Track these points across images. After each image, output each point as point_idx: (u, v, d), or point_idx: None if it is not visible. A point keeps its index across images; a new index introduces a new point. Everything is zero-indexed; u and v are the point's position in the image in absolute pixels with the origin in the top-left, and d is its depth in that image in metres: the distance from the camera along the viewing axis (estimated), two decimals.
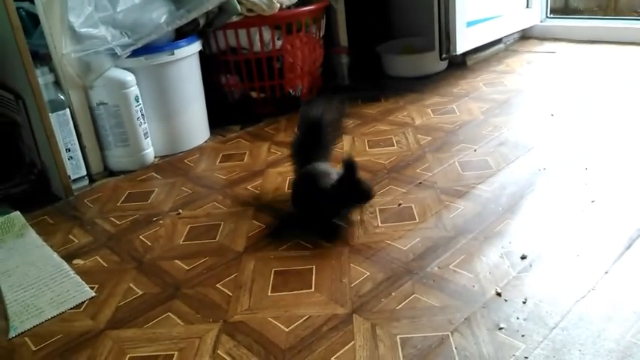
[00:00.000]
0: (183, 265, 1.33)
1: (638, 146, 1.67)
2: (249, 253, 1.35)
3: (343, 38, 2.55)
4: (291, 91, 2.32)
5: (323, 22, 2.41)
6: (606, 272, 1.15)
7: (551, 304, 1.07)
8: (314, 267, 1.26)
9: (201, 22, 2.09)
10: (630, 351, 0.95)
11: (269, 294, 1.19)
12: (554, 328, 1.01)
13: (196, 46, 2.03)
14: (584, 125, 1.87)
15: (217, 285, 1.24)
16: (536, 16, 2.95)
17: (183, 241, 1.44)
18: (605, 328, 1.00)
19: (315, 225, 1.42)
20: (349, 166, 1.33)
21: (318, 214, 1.42)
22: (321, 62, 2.44)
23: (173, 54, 1.93)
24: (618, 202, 1.40)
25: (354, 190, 1.35)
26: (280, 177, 1.74)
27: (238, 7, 2.10)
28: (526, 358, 0.95)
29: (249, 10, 2.14)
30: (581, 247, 1.24)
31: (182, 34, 2.01)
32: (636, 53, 2.55)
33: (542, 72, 2.49)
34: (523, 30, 2.98)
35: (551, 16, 3.07)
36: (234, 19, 2.13)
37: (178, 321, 1.14)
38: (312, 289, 1.19)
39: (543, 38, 2.99)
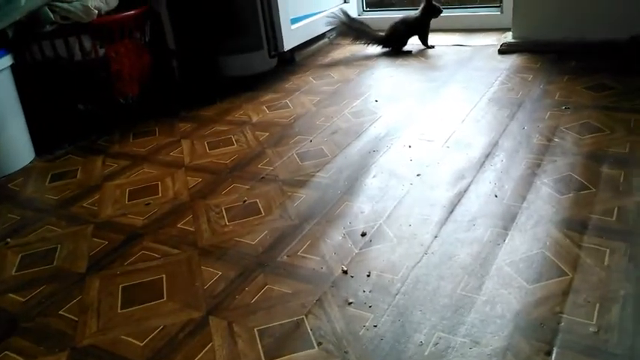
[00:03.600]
0: (19, 298, 1.22)
1: (451, 122, 1.87)
2: (93, 272, 1.28)
3: (170, 42, 2.50)
4: (121, 99, 2.22)
5: (147, 27, 2.33)
6: (435, 236, 1.27)
7: (392, 272, 1.17)
8: (164, 276, 1.24)
9: (10, 33, 1.92)
10: (462, 302, 1.07)
11: (119, 311, 1.14)
12: (396, 294, 1.11)
13: (7, 60, 1.86)
14: (403, 107, 2.04)
15: (60, 312, 1.16)
16: (353, 10, 3.14)
17: (15, 272, 1.32)
18: (439, 286, 1.12)
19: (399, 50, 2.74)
20: None
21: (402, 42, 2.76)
22: (151, 67, 2.36)
23: None
24: (439, 172, 1.55)
25: (433, 9, 2.67)
26: (119, 190, 1.66)
27: (51, 15, 1.96)
28: (375, 326, 1.03)
29: (64, 18, 2.01)
30: (412, 217, 1.36)
31: None
32: (441, 39, 2.83)
33: (365, 62, 2.67)
34: None
35: (367, 9, 3.29)
36: (48, 28, 1.98)
37: (19, 358, 1.05)
38: (165, 299, 1.17)
39: None
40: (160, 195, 1.60)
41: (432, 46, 2.75)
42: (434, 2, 2.67)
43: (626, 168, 1.45)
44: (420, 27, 2.73)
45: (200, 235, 1.38)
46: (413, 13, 2.75)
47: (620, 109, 1.80)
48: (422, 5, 2.70)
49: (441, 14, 2.70)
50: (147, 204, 1.56)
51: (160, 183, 1.67)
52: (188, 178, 1.69)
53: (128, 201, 1.59)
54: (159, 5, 2.41)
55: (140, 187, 1.66)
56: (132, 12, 2.17)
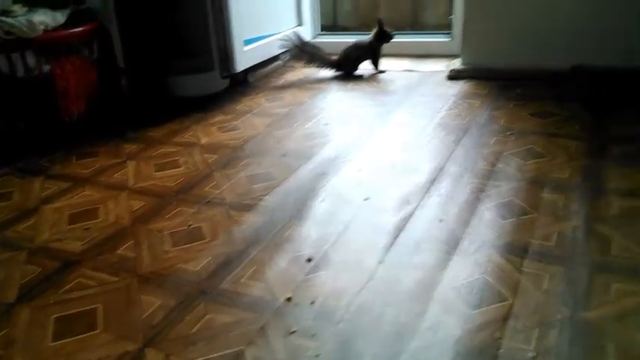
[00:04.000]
0: None
1: (399, 146, 1.89)
2: (23, 302, 1.21)
3: (120, 60, 2.45)
4: (66, 118, 2.16)
5: (96, 44, 2.28)
6: (380, 262, 1.27)
7: (336, 299, 1.15)
8: (100, 305, 1.18)
9: None
10: (405, 329, 1.06)
11: (49, 344, 1.08)
12: (340, 322, 1.09)
13: None
14: (354, 131, 2.05)
15: None
16: (308, 33, 3.16)
17: None
18: (383, 313, 1.11)
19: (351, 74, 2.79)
20: (380, 20, 2.73)
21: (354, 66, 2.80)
22: (98, 85, 2.31)
23: None
24: (387, 196, 1.56)
25: (385, 34, 2.73)
26: (57, 213, 1.60)
27: None
28: (317, 356, 1.01)
29: (8, 33, 1.95)
30: (359, 242, 1.35)
31: None
32: (392, 64, 2.87)
33: (317, 85, 2.68)
34: None
35: (322, 32, 3.32)
36: None
37: None
38: (99, 330, 1.11)
39: None
40: (101, 219, 1.55)
41: (384, 71, 2.79)
42: (386, 28, 2.72)
43: (565, 193, 1.48)
44: (372, 52, 2.77)
45: (140, 261, 1.34)
46: (365, 37, 2.78)
47: (562, 135, 1.86)
48: (374, 31, 2.74)
49: (393, 40, 2.75)
50: (86, 228, 1.50)
51: (101, 206, 1.62)
52: (131, 201, 1.64)
53: (67, 225, 1.53)
54: (109, 22, 2.37)
55: (80, 211, 1.60)
56: (80, 28, 2.13)
